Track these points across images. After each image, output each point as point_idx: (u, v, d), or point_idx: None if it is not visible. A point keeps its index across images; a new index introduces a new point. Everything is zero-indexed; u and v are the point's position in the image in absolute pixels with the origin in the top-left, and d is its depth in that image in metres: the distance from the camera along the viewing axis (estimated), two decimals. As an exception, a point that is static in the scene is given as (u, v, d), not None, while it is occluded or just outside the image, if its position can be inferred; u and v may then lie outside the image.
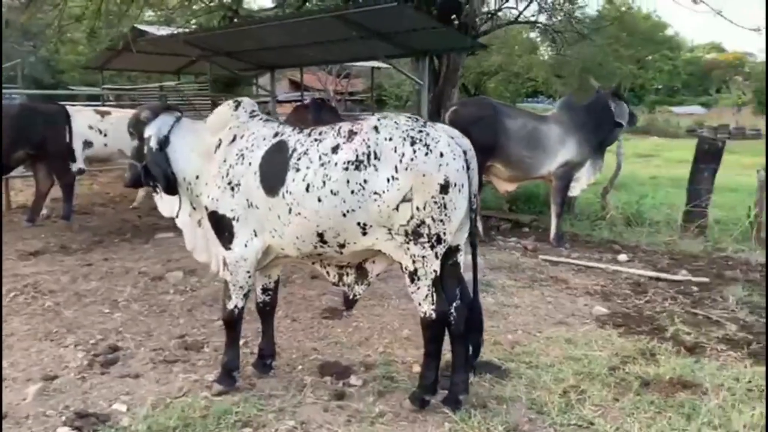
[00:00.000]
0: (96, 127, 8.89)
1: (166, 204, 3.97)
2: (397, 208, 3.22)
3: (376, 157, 3.24)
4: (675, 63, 41.84)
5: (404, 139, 3.23)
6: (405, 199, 3.21)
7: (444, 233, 3.25)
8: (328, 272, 3.73)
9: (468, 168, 3.31)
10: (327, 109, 10.10)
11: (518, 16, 12.96)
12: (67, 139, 8.20)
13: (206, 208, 3.66)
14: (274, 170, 3.45)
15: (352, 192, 3.26)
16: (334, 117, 9.42)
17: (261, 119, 3.73)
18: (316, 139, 3.44)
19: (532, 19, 13.14)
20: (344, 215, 3.30)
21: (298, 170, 3.38)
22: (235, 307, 3.70)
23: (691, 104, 45.94)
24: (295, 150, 3.45)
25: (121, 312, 5.12)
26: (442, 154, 3.21)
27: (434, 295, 3.33)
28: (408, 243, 3.26)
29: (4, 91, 10.13)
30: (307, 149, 3.42)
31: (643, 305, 5.41)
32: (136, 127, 3.83)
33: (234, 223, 3.57)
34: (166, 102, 11.31)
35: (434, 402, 3.50)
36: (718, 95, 47.63)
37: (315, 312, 5.13)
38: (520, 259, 6.88)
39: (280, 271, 4.08)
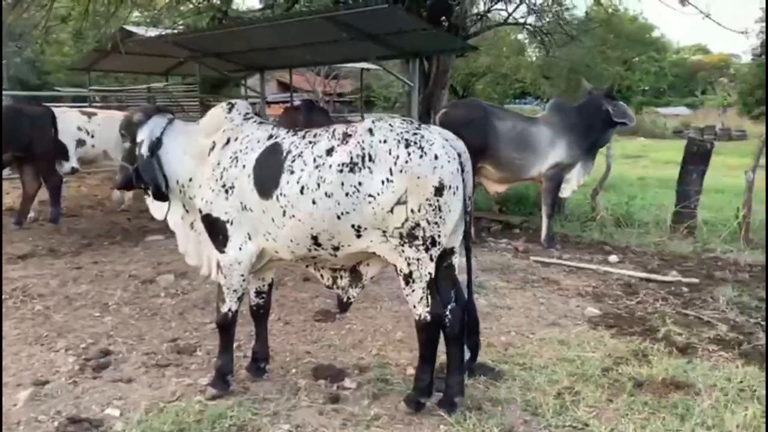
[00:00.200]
0: (84, 128, 8.83)
1: (157, 206, 3.95)
2: (391, 211, 3.21)
3: (370, 160, 3.23)
4: (661, 65, 42.13)
5: (399, 141, 3.23)
6: (400, 202, 3.20)
7: (439, 235, 3.25)
8: (322, 275, 3.72)
9: (462, 170, 3.31)
10: (318, 110, 10.07)
11: (507, 17, 13.00)
12: (53, 141, 8.13)
13: (200, 211, 3.64)
14: (268, 173, 3.44)
15: (347, 194, 3.25)
16: (325, 119, 9.39)
17: (255, 121, 3.71)
18: (310, 142, 3.43)
19: (521, 20, 13.18)
20: (339, 218, 3.29)
21: (292, 172, 3.37)
22: (229, 310, 3.68)
23: (677, 105, 46.29)
24: (289, 152, 3.43)
25: (111, 316, 5.07)
26: (436, 157, 3.20)
27: (429, 297, 3.32)
28: (403, 245, 3.25)
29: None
30: (302, 151, 3.40)
31: (634, 306, 5.44)
32: (128, 129, 3.81)
33: (228, 226, 3.55)
34: (155, 103, 11.25)
35: (429, 404, 3.49)
36: (703, 96, 48.02)
37: (307, 315, 5.11)
38: (511, 261, 6.90)
39: (273, 274, 4.06)
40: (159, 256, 6.81)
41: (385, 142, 3.23)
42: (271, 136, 3.58)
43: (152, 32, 11.73)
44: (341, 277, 3.66)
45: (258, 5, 13.42)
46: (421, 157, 3.18)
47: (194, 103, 13.91)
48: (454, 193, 3.24)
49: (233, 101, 3.83)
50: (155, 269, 6.31)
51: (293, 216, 3.36)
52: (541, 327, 4.90)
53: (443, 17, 10.38)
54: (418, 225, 3.20)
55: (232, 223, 3.54)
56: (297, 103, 12.90)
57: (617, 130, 8.14)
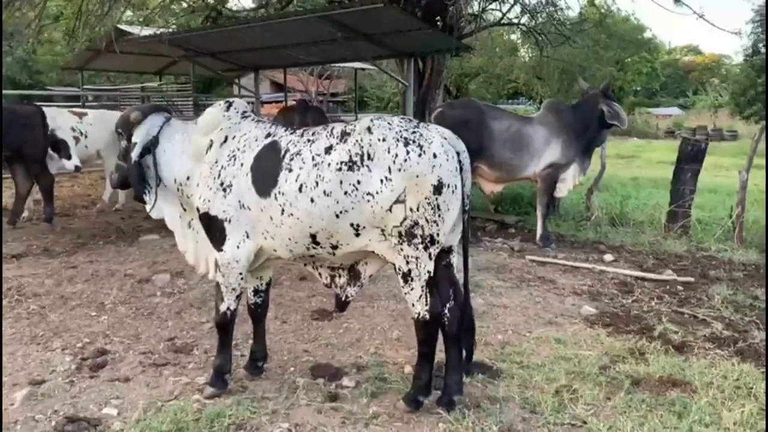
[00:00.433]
0: (77, 128, 8.79)
1: (157, 207, 3.92)
2: (390, 209, 3.21)
3: (369, 158, 3.22)
4: (653, 65, 42.27)
5: (397, 140, 3.22)
6: (398, 200, 3.20)
7: (437, 234, 3.24)
8: (320, 274, 3.71)
9: (461, 169, 3.31)
10: (313, 110, 10.08)
11: (501, 18, 13.02)
12: (45, 140, 8.08)
13: (198, 210, 3.63)
14: (267, 171, 3.43)
15: (345, 193, 3.24)
16: (321, 118, 9.42)
17: (253, 120, 3.70)
18: (308, 140, 3.43)
19: (515, 20, 13.19)
20: (337, 216, 3.28)
21: (290, 171, 3.36)
22: (228, 309, 3.67)
23: (669, 106, 46.52)
24: (287, 151, 3.43)
25: (107, 315, 5.05)
26: (435, 155, 3.20)
27: (428, 296, 3.32)
28: (401, 244, 3.25)
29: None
30: (300, 150, 3.40)
31: (630, 305, 5.46)
32: (125, 128, 3.79)
33: (226, 224, 3.54)
34: (150, 102, 11.21)
35: (428, 403, 3.49)
36: (695, 97, 48.22)
37: (305, 314, 5.10)
38: (507, 260, 6.91)
39: (271, 273, 4.06)
40: (154, 256, 6.80)
41: (384, 140, 3.23)
42: (269, 135, 3.58)
43: (146, 31, 11.68)
44: (339, 276, 3.65)
45: (251, 4, 13.37)
46: (420, 155, 3.18)
47: (188, 103, 13.89)
48: (453, 192, 3.24)
49: (231, 99, 3.82)
50: (151, 268, 6.29)
51: (292, 214, 3.35)
52: (537, 325, 4.91)
53: (438, 17, 10.39)
54: (416, 223, 3.20)
55: (230, 222, 3.53)
56: (292, 102, 12.88)
57: (611, 130, 8.16)
